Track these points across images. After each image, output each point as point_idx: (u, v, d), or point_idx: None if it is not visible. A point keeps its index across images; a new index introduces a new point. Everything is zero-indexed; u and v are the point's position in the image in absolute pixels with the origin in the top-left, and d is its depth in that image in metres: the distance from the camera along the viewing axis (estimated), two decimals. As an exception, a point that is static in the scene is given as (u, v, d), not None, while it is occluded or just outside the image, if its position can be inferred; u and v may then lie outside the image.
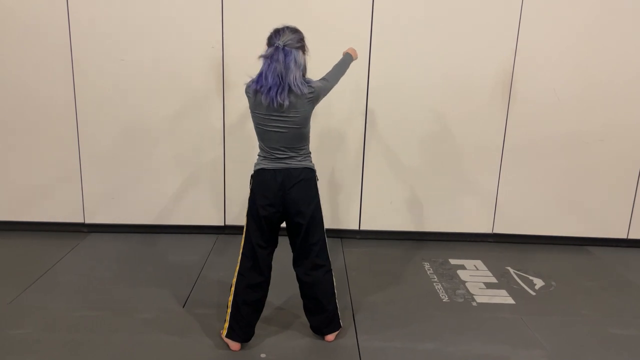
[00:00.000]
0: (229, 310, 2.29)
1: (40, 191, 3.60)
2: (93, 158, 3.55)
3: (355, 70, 3.41)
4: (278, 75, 2.09)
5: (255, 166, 2.28)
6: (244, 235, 2.30)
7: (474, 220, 3.72)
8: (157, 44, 3.37)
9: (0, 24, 3.33)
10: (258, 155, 2.29)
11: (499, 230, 3.74)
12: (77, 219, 3.67)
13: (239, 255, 2.30)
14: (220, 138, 3.54)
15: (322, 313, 2.38)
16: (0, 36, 3.34)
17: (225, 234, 3.75)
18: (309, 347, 2.38)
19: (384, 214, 3.70)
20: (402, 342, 2.43)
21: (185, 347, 2.34)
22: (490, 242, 3.78)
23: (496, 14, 3.36)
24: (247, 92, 2.20)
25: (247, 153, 3.53)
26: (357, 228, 3.74)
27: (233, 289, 2.29)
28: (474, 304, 2.85)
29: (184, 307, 2.70)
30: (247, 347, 2.33)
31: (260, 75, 2.14)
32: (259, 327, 2.37)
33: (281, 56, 2.09)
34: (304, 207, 2.25)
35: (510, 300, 2.90)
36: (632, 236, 3.75)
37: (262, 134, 2.22)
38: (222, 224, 3.72)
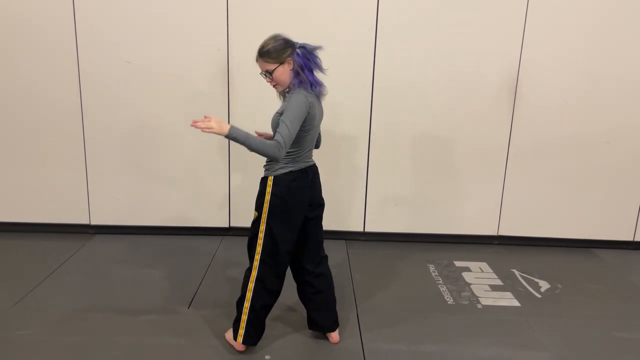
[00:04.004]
0: (245, 317, 2.24)
1: (46, 192, 3.62)
2: (99, 160, 3.57)
3: (360, 72, 3.43)
4: None
5: (277, 170, 2.18)
6: (262, 242, 2.20)
7: (479, 222, 3.71)
8: (163, 46, 3.39)
9: (7, 27, 3.35)
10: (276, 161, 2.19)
11: (504, 232, 3.73)
12: (83, 220, 3.68)
13: (254, 261, 2.23)
14: (225, 140, 3.54)
15: (330, 307, 2.40)
16: (7, 38, 3.37)
17: (230, 235, 3.76)
18: (314, 348, 2.38)
19: (388, 215, 3.70)
20: (407, 344, 2.43)
21: (191, 348, 2.35)
22: (496, 244, 3.77)
23: (501, 15, 3.35)
24: (310, 103, 2.10)
25: (252, 155, 3.53)
26: (361, 230, 3.73)
27: (250, 294, 2.23)
28: (479, 306, 2.85)
29: (189, 308, 2.71)
30: (252, 349, 2.33)
31: (315, 79, 2.16)
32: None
33: None
34: (322, 199, 2.35)
35: (516, 303, 2.89)
36: (638, 239, 3.73)
37: (310, 139, 2.21)
38: (227, 226, 3.73)
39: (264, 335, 2.35)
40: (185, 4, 3.33)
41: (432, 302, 2.87)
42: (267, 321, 2.37)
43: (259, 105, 3.45)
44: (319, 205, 2.33)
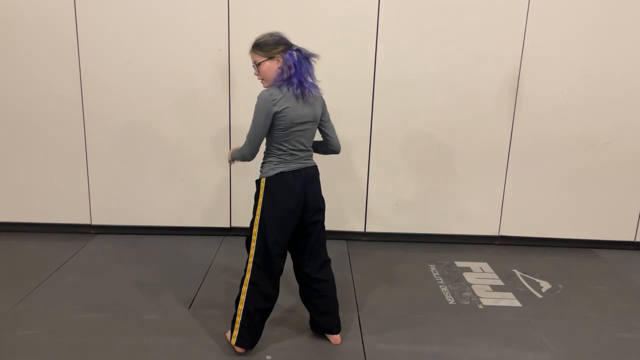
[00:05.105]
0: (239, 319, 2.25)
1: (47, 193, 3.62)
2: (100, 160, 3.57)
3: (362, 72, 3.43)
4: None
5: (268, 172, 2.20)
6: (255, 244, 2.22)
7: (480, 222, 3.71)
8: (164, 46, 3.39)
9: (9, 26, 3.36)
10: (269, 161, 2.23)
11: (505, 232, 3.73)
12: (84, 220, 3.69)
13: (248, 264, 2.24)
14: (226, 140, 3.55)
15: (333, 311, 2.40)
16: (9, 38, 3.37)
17: (231, 235, 3.76)
18: (315, 349, 2.38)
19: (389, 216, 3.69)
20: (408, 345, 2.43)
21: (191, 349, 2.35)
22: (497, 244, 3.77)
23: (503, 14, 3.35)
24: (275, 100, 2.12)
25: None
26: (362, 230, 3.73)
27: (244, 297, 2.24)
28: (480, 306, 2.84)
29: (189, 308, 2.71)
30: (254, 349, 2.33)
31: (302, 80, 2.17)
32: (265, 329, 2.37)
33: None
34: (322, 204, 2.32)
35: (517, 303, 2.89)
36: (639, 239, 3.72)
37: (295, 138, 2.20)
38: (228, 226, 3.73)
39: (265, 336, 2.35)
40: (186, 4, 3.33)
41: (433, 303, 2.87)
42: (268, 322, 2.36)
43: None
44: (318, 209, 2.30)
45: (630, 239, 3.73)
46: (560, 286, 3.13)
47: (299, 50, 2.15)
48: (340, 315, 2.46)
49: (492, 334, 2.55)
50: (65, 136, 3.53)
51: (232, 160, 2.36)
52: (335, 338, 2.41)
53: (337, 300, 2.43)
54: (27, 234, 3.66)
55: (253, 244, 2.23)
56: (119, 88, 3.45)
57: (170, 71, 3.42)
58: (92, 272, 3.11)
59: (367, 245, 3.68)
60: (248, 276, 2.23)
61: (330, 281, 2.38)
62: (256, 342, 2.31)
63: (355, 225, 3.72)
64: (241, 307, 2.24)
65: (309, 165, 2.26)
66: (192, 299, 2.81)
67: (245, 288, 2.24)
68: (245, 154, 2.21)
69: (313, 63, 2.18)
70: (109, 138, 3.54)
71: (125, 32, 3.37)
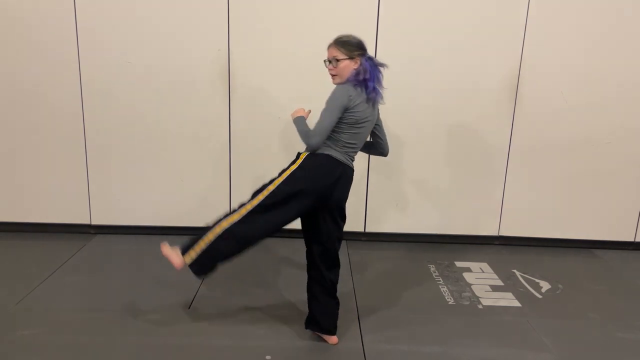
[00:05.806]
0: (202, 246, 2.22)
1: (47, 192, 3.62)
2: (99, 160, 3.57)
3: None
4: None
5: (320, 150, 2.24)
6: (265, 196, 2.18)
7: (480, 222, 3.71)
8: (164, 47, 3.39)
9: (8, 27, 3.36)
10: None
11: (505, 232, 3.73)
12: (84, 220, 3.69)
13: (243, 209, 2.20)
14: (226, 140, 3.55)
15: (333, 312, 2.40)
16: (8, 39, 3.37)
17: (231, 235, 3.76)
18: (314, 349, 2.38)
19: (389, 216, 3.69)
20: (407, 345, 2.43)
21: (191, 348, 2.35)
22: (497, 244, 3.77)
23: (503, 16, 3.35)
24: (351, 96, 2.19)
25: (253, 155, 3.54)
26: (362, 230, 3.73)
27: (216, 234, 2.21)
28: (480, 306, 2.84)
29: (189, 308, 2.71)
30: (253, 349, 2.33)
31: (374, 86, 2.25)
32: (264, 329, 2.37)
33: None
34: (344, 205, 2.35)
35: (517, 303, 2.89)
36: (639, 239, 3.72)
37: (355, 136, 2.26)
38: (228, 226, 3.73)
39: (265, 336, 2.34)
40: (186, 5, 3.33)
41: (432, 303, 2.87)
42: (268, 322, 2.36)
43: (260, 105, 3.45)
44: (341, 209, 2.32)
45: (630, 239, 3.73)
46: (560, 286, 3.13)
47: (370, 58, 2.26)
48: (340, 315, 2.46)
49: (492, 334, 2.55)
50: (65, 136, 3.53)
51: (297, 124, 2.26)
52: (333, 339, 2.41)
53: (338, 304, 2.43)
54: (27, 234, 3.66)
55: (264, 193, 2.20)
56: (119, 88, 3.45)
57: (170, 71, 3.42)
58: (92, 272, 3.11)
59: (367, 245, 3.68)
60: (234, 219, 2.20)
61: (335, 283, 2.40)
62: (207, 274, 2.30)
63: (355, 225, 3.71)
64: (211, 238, 2.21)
65: (350, 165, 2.30)
66: (192, 298, 2.81)
67: (225, 226, 2.20)
68: (312, 144, 2.17)
69: (382, 71, 2.27)
70: (109, 138, 3.54)
71: (125, 32, 3.37)
